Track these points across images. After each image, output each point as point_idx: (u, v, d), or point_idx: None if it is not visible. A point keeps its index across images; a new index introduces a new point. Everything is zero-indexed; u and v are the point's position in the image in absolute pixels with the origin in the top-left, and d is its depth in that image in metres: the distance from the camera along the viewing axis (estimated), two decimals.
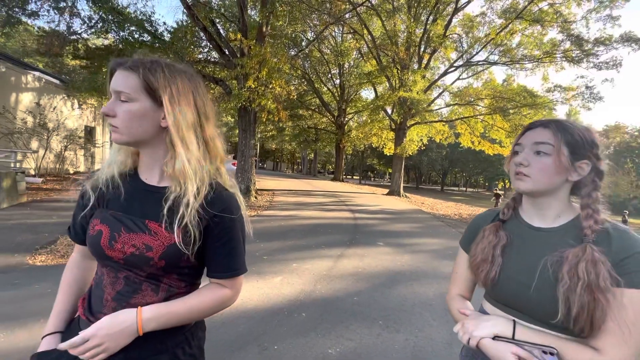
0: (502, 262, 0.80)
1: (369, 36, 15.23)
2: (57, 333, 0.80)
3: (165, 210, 0.72)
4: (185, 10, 8.79)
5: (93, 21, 8.92)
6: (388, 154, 18.48)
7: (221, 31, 10.12)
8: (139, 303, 0.73)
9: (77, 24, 8.78)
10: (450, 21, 14.51)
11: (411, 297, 3.41)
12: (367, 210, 9.88)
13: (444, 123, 16.76)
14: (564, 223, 0.77)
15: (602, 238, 0.69)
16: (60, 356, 0.72)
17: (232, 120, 28.45)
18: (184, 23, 10.03)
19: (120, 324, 0.69)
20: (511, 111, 14.01)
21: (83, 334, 0.68)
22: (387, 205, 11.62)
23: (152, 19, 9.23)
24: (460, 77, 17.70)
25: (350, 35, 19.01)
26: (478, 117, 15.37)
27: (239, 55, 9.05)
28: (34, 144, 9.31)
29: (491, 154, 16.17)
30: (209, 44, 10.01)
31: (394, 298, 3.36)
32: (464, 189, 54.78)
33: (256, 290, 3.27)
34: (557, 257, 0.71)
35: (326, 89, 23.58)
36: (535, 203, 0.80)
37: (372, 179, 55.88)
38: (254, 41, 8.73)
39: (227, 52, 9.47)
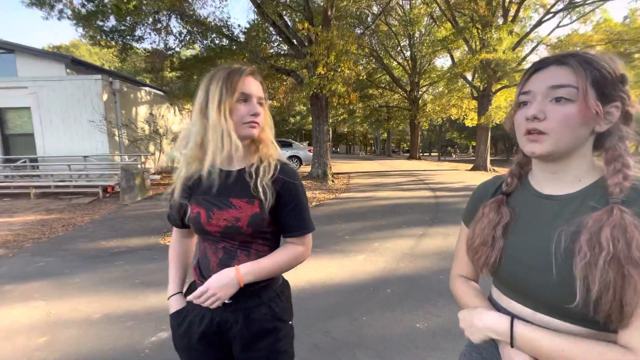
0: (503, 244, 0.66)
1: None
2: (179, 293, 1.03)
3: (240, 187, 0.92)
4: (255, 9, 9.37)
5: (182, 35, 10.26)
6: (470, 126, 16.81)
7: (288, 22, 10.48)
8: None
9: (171, 41, 10.21)
10: None
11: None
12: (449, 187, 9.29)
13: None
14: (584, 187, 0.61)
15: (635, 198, 0.54)
16: (189, 312, 0.97)
17: (305, 108, 29.48)
18: (255, 22, 10.70)
19: (225, 278, 0.88)
20: (636, 55, 11.20)
21: (201, 288, 0.89)
22: (472, 181, 10.70)
23: (228, 23, 10.11)
24: (561, 24, 14.88)
25: (419, 0, 17.52)
26: None
27: (307, 44, 9.28)
28: (151, 148, 11.30)
29: None
30: (278, 37, 10.49)
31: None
32: None
33: (341, 267, 3.49)
34: (573, 226, 0.56)
35: (396, 63, 22.39)
36: (550, 167, 0.63)
37: (452, 154, 51.62)
38: (320, 27, 8.83)
39: (295, 43, 9.80)
